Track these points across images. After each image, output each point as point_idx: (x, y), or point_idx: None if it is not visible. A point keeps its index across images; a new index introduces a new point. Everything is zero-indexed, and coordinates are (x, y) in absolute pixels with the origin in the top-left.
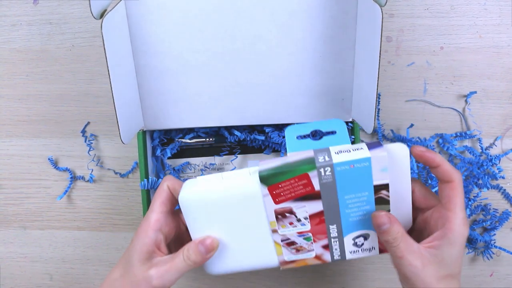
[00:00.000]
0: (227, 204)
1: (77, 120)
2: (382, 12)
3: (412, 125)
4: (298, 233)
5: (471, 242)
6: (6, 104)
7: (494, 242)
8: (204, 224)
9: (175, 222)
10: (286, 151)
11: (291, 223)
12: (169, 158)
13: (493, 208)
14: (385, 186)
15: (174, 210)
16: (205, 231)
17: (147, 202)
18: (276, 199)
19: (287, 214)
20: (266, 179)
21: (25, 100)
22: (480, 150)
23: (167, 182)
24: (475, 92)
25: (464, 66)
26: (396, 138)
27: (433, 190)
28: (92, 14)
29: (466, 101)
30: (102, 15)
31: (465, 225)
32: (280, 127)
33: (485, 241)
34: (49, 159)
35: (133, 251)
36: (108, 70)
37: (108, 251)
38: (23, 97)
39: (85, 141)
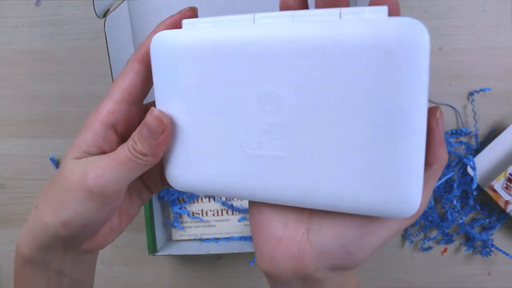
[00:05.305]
0: (221, 56)
1: (78, 120)
2: None
3: None
4: None
5: (469, 240)
6: (9, 105)
7: (492, 241)
8: (177, 85)
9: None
10: None
11: None
12: None
13: (492, 207)
14: None
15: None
16: (176, 99)
17: (147, 201)
18: None
19: None
20: None
21: (27, 101)
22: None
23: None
24: (483, 90)
25: (462, 67)
26: None
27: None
28: (96, 13)
29: (469, 97)
30: (105, 15)
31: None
32: None
33: (483, 240)
34: (50, 159)
35: (69, 150)
36: (111, 70)
37: (108, 250)
38: (25, 97)
39: None
